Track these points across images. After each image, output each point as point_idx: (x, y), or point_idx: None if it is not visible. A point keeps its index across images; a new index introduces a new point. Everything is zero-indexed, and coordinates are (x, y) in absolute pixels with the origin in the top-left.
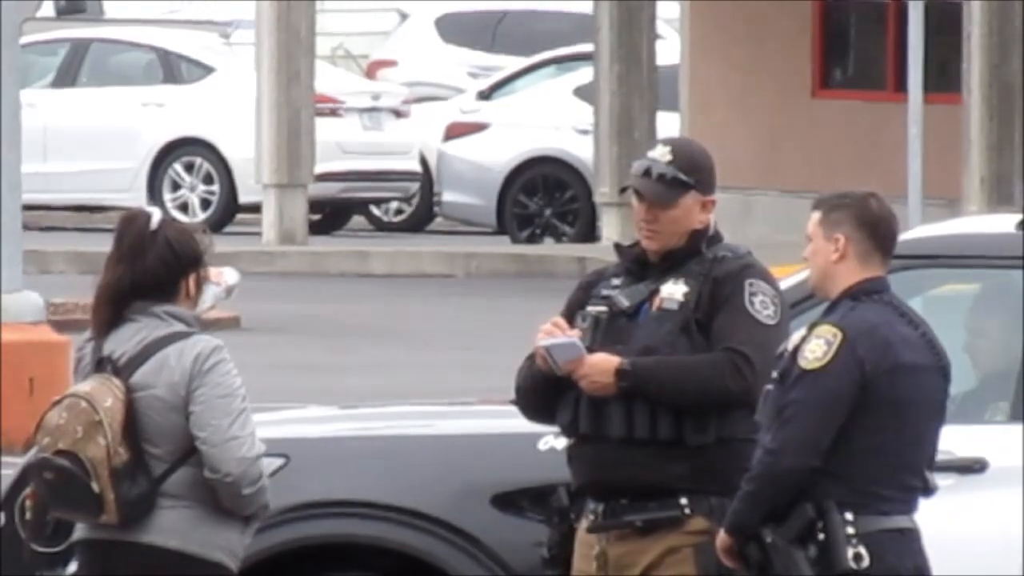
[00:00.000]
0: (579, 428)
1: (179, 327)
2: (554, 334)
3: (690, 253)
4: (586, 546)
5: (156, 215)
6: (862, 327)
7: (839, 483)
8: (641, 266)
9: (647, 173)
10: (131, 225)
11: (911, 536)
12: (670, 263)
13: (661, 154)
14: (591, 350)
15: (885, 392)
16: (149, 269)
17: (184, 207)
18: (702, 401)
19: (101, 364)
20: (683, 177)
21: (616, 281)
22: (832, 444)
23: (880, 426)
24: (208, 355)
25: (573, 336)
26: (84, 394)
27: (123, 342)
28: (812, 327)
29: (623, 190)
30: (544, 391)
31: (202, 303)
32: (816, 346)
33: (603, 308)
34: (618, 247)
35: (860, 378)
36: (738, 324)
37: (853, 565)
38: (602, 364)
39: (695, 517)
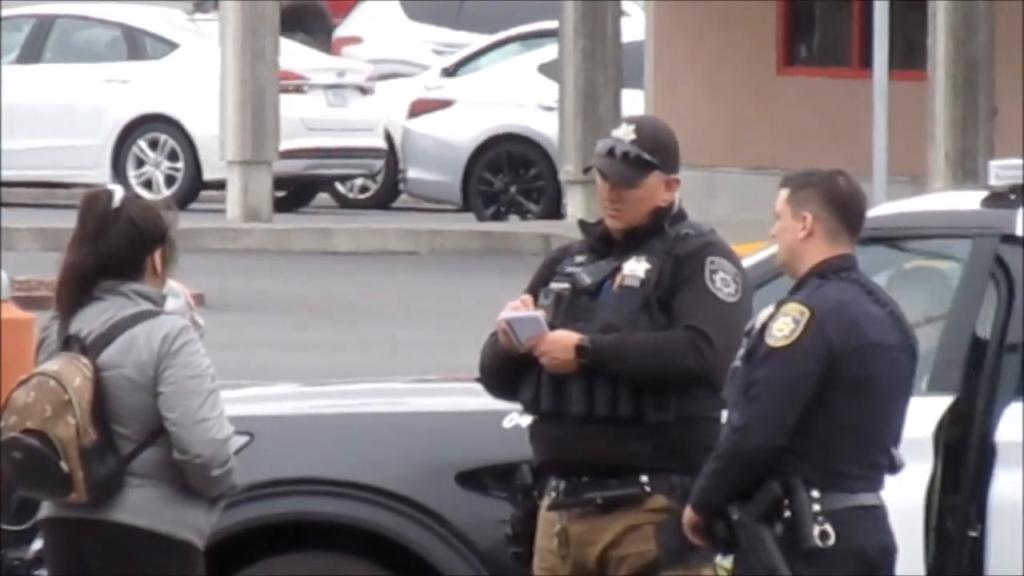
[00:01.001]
0: (540, 405)
1: (146, 306)
2: (520, 310)
3: (653, 231)
4: (548, 523)
5: (118, 193)
6: (830, 305)
7: (806, 461)
8: (605, 244)
9: (611, 153)
10: (94, 204)
11: (877, 514)
12: (633, 241)
13: (625, 133)
14: (553, 327)
15: (852, 370)
16: (113, 248)
17: (148, 184)
18: (662, 379)
19: (68, 343)
20: (647, 157)
21: (580, 258)
22: (799, 422)
23: (847, 404)
24: (176, 336)
25: (537, 313)
26: (53, 373)
27: (90, 321)
28: (780, 305)
29: (587, 170)
30: (507, 369)
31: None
32: (783, 324)
33: (565, 285)
34: (582, 224)
35: (827, 356)
36: (699, 302)
37: (819, 543)
38: (562, 341)
39: (655, 495)
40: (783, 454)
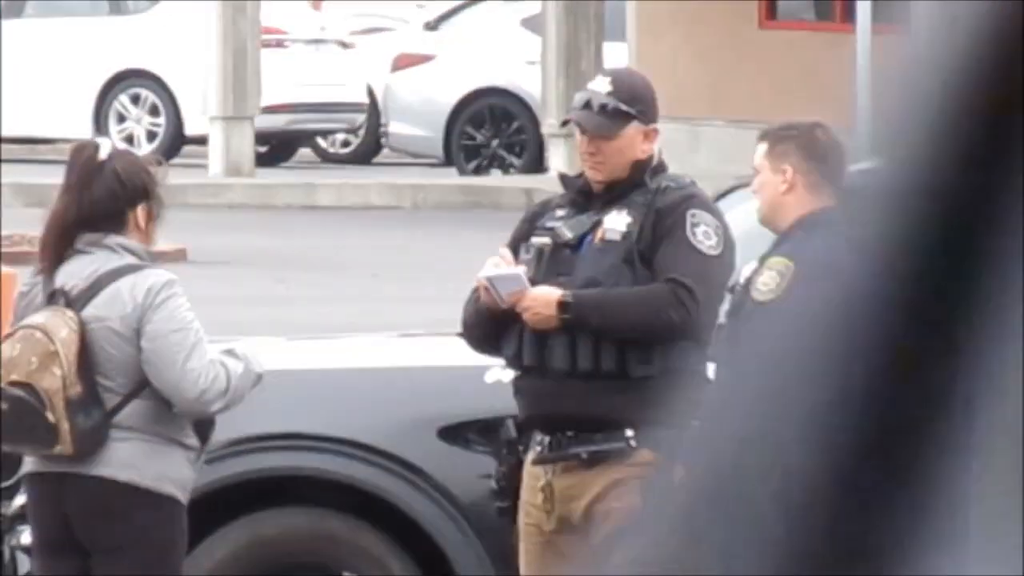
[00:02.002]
0: (523, 361)
1: (131, 259)
2: (500, 267)
3: (634, 184)
4: (533, 478)
5: (106, 146)
6: (814, 257)
7: None
8: (585, 197)
9: (587, 105)
10: (80, 155)
11: None
12: (614, 194)
13: (601, 85)
14: (534, 282)
15: None
16: (96, 199)
17: (130, 139)
18: (645, 333)
19: (53, 297)
20: (624, 107)
21: (560, 212)
22: None
23: None
24: (160, 289)
25: (518, 269)
26: (38, 325)
27: (75, 274)
28: (763, 260)
29: (564, 123)
30: (490, 325)
31: None
32: (768, 278)
33: (546, 240)
34: (563, 178)
35: None
36: (680, 255)
37: None
38: (544, 296)
39: (640, 449)
40: None
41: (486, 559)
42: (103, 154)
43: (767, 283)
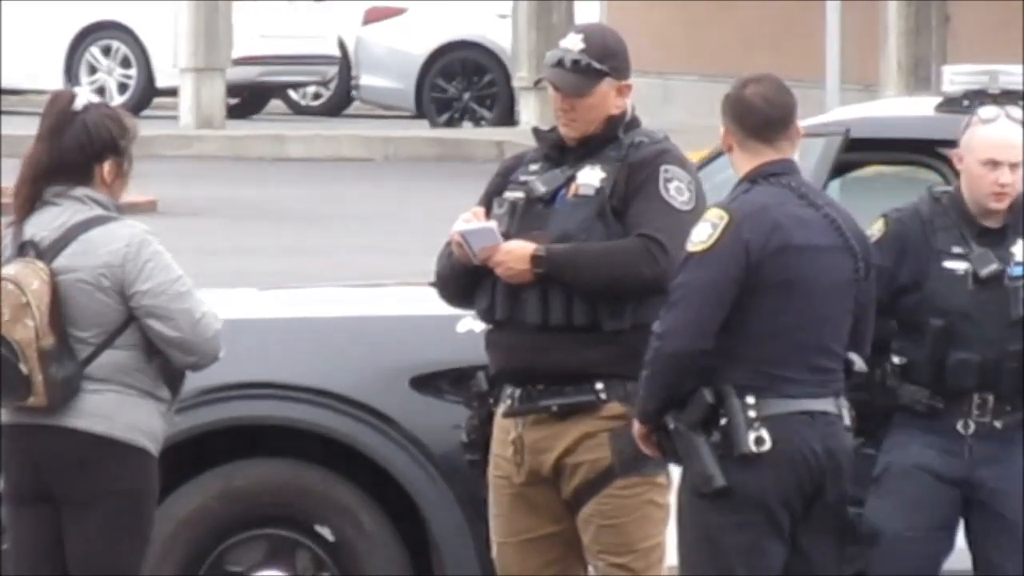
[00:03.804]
0: (496, 314)
1: (99, 211)
2: (472, 222)
3: (607, 139)
4: (503, 431)
5: (82, 97)
6: (750, 209)
7: (739, 366)
8: (559, 151)
9: (560, 63)
10: (54, 104)
11: (824, 419)
12: (587, 149)
13: (573, 43)
14: (507, 236)
15: (775, 273)
16: (64, 149)
17: (101, 91)
18: (617, 287)
19: (23, 248)
20: (597, 65)
21: (534, 167)
22: (731, 327)
23: (775, 307)
24: (140, 243)
25: (490, 223)
26: (10, 277)
27: (44, 226)
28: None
29: (538, 82)
30: (463, 279)
31: None
32: (702, 229)
33: (520, 194)
34: (536, 132)
35: (745, 260)
36: (653, 210)
37: (754, 448)
38: (517, 251)
39: (610, 402)
40: (717, 360)
41: (458, 509)
42: (78, 105)
43: (699, 234)
